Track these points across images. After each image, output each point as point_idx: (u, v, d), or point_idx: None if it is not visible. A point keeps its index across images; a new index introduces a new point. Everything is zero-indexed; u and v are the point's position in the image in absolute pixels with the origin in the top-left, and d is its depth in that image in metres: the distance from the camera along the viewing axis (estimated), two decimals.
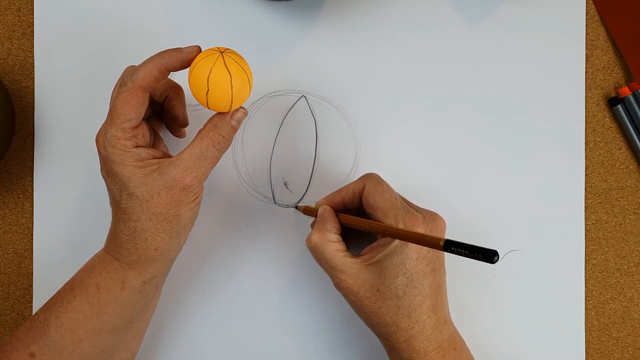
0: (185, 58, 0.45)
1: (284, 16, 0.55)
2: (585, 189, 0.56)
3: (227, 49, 0.45)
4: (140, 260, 0.46)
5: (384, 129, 0.56)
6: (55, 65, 0.55)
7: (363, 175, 0.50)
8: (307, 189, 0.56)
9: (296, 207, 0.55)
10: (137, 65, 0.45)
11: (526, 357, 0.56)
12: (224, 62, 0.43)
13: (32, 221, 0.55)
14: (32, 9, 0.55)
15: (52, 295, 0.48)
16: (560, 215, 0.56)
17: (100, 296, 0.46)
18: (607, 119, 0.57)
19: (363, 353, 0.55)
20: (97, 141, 0.45)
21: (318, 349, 0.55)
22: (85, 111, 0.55)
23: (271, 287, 0.55)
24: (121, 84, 0.45)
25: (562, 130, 0.56)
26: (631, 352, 0.57)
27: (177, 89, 0.50)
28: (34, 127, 0.56)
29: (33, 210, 0.55)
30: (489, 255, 0.40)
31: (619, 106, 0.56)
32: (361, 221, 0.48)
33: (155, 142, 0.51)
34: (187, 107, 0.52)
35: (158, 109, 0.51)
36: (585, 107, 0.56)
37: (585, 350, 0.56)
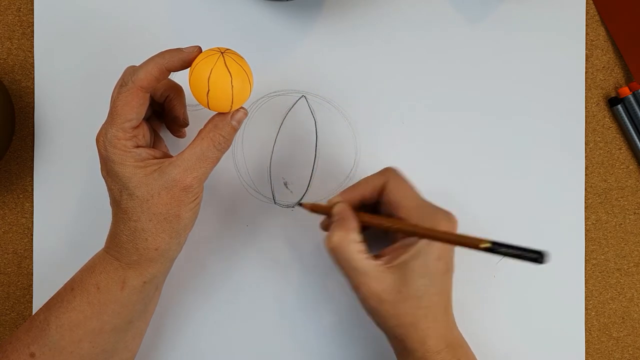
0: (186, 58, 0.45)
1: (284, 16, 0.55)
2: (585, 189, 0.56)
3: (228, 49, 0.45)
4: (140, 260, 0.46)
5: (384, 129, 0.56)
6: (55, 65, 0.55)
7: (383, 170, 0.49)
8: (307, 189, 0.56)
9: (300, 205, 0.53)
10: (137, 65, 0.45)
11: (526, 357, 0.56)
12: (225, 63, 0.43)
13: (32, 221, 0.55)
14: (32, 9, 0.55)
15: (52, 295, 0.48)
16: (560, 215, 0.56)
17: (101, 296, 0.46)
18: (607, 119, 0.57)
19: (363, 353, 0.55)
20: (97, 141, 0.45)
21: (318, 349, 0.55)
22: (85, 111, 0.55)
23: (271, 287, 0.55)
24: (122, 84, 0.45)
25: (562, 130, 0.56)
26: (631, 352, 0.57)
27: (177, 89, 0.50)
28: (34, 127, 0.56)
29: (33, 210, 0.55)
30: (540, 256, 0.40)
31: (619, 106, 0.56)
32: (388, 220, 0.47)
33: (155, 142, 0.51)
34: (187, 107, 0.52)
35: (158, 109, 0.51)
36: (585, 107, 0.56)
37: (585, 350, 0.56)
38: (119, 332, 0.47)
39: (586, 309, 0.56)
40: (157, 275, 0.47)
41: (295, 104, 0.55)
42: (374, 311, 0.46)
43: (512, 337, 0.56)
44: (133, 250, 0.45)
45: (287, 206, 0.56)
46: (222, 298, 0.55)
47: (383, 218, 0.47)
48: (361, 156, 0.56)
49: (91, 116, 0.54)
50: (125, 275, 0.46)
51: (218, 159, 0.46)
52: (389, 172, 0.48)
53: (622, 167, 0.57)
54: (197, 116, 0.54)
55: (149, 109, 0.48)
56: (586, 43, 0.56)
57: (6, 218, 0.56)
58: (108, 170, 0.45)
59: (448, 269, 0.47)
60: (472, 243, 0.42)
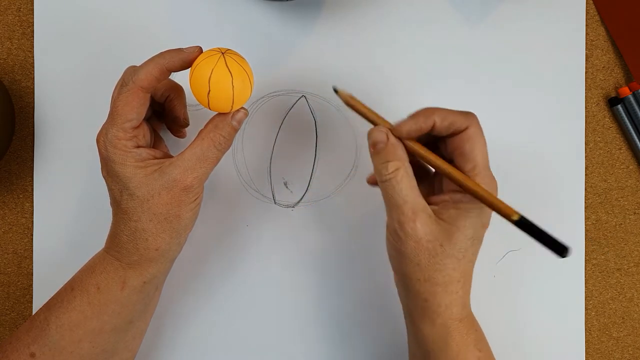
0: (187, 58, 0.45)
1: (284, 16, 0.55)
2: (585, 189, 0.56)
3: (228, 49, 0.45)
4: (140, 260, 0.46)
5: None
6: (55, 65, 0.55)
7: (466, 113, 0.45)
8: (307, 189, 0.56)
9: (335, 91, 0.46)
10: (138, 65, 0.45)
11: (526, 357, 0.56)
12: (225, 63, 0.43)
13: (32, 221, 0.55)
14: (32, 9, 0.55)
15: (52, 295, 0.48)
16: (560, 215, 0.56)
17: (101, 296, 0.46)
18: (607, 119, 0.57)
19: (364, 353, 0.55)
20: (97, 141, 0.45)
21: (318, 348, 0.55)
22: (85, 111, 0.55)
23: (271, 287, 0.55)
24: (122, 84, 0.45)
25: (562, 130, 0.56)
26: (631, 352, 0.57)
27: (178, 89, 0.50)
28: (34, 127, 0.56)
29: (33, 210, 0.55)
30: (561, 248, 0.40)
31: (619, 106, 0.56)
32: (448, 165, 0.43)
33: (156, 142, 0.51)
34: (187, 107, 0.52)
35: (159, 109, 0.51)
36: (585, 107, 0.56)
37: (585, 350, 0.56)
38: (119, 332, 0.47)
39: (586, 309, 0.56)
40: (157, 275, 0.47)
41: (295, 104, 0.55)
42: (407, 256, 0.43)
43: (512, 337, 0.56)
44: (133, 251, 0.45)
45: (287, 206, 0.56)
46: (222, 298, 0.55)
47: (441, 159, 0.44)
48: (361, 156, 0.56)
49: (91, 116, 0.54)
50: (125, 275, 0.46)
51: (218, 159, 0.46)
52: (473, 118, 0.45)
53: (622, 167, 0.57)
54: (197, 116, 0.54)
55: (149, 109, 0.48)
56: (586, 43, 0.56)
57: (6, 218, 0.56)
58: (108, 170, 0.45)
59: (482, 241, 0.45)
60: (506, 212, 0.42)
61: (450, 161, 0.45)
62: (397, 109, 0.56)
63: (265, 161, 0.56)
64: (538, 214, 0.56)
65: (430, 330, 0.44)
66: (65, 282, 0.48)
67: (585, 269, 0.56)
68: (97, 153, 0.46)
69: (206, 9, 0.55)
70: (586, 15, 0.56)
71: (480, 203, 0.43)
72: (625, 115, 0.56)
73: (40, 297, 0.55)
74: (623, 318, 0.57)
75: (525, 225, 0.41)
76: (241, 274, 0.56)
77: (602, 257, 0.57)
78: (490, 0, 0.56)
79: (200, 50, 0.45)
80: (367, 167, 0.55)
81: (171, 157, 0.46)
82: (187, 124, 0.52)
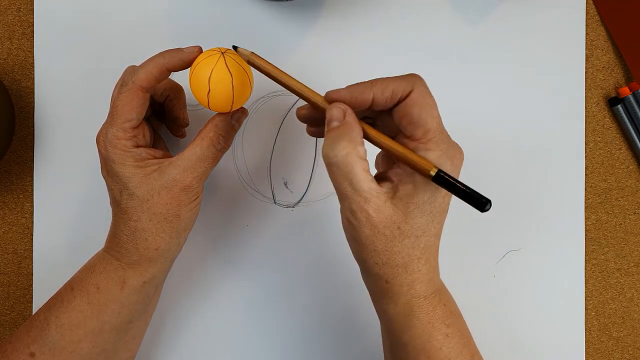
0: (186, 58, 0.45)
1: (284, 16, 0.55)
2: (585, 189, 0.56)
3: (228, 49, 0.45)
4: (140, 260, 0.46)
5: None
6: (55, 65, 0.55)
7: (408, 75, 0.42)
8: (307, 189, 0.56)
9: (235, 48, 0.43)
10: (137, 65, 0.45)
11: (526, 357, 0.56)
12: (225, 63, 0.43)
13: (32, 221, 0.55)
14: (32, 9, 0.55)
15: (52, 295, 0.48)
16: (560, 215, 0.56)
17: (100, 296, 0.46)
18: (607, 119, 0.57)
19: (364, 351, 0.55)
20: (97, 141, 0.45)
21: (318, 348, 0.55)
22: (85, 111, 0.55)
23: (271, 287, 0.55)
24: (122, 84, 0.45)
25: (562, 130, 0.56)
26: (631, 352, 0.57)
27: (177, 89, 0.50)
28: (34, 127, 0.56)
29: (33, 210, 0.55)
30: (482, 202, 0.38)
31: (619, 106, 0.56)
32: (394, 146, 0.40)
33: (155, 142, 0.51)
34: (187, 107, 0.52)
35: (159, 109, 0.51)
36: (585, 107, 0.56)
37: (585, 350, 0.56)
38: (119, 332, 0.47)
39: (586, 309, 0.56)
40: (157, 275, 0.47)
41: (295, 104, 0.55)
42: (362, 243, 0.41)
43: (512, 337, 0.56)
44: (133, 250, 0.45)
45: (287, 206, 0.56)
46: (222, 298, 0.55)
47: (391, 140, 0.41)
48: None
49: (91, 116, 0.54)
50: (125, 275, 0.46)
51: (218, 159, 0.46)
52: (416, 79, 0.41)
53: (622, 167, 0.57)
54: (197, 116, 0.54)
55: (149, 109, 0.48)
56: (586, 43, 0.56)
57: (6, 218, 0.56)
58: (108, 170, 0.45)
59: (447, 209, 0.42)
60: (422, 167, 0.39)
61: (399, 133, 0.42)
62: None
63: (265, 161, 0.56)
64: (538, 214, 0.56)
65: (394, 310, 0.42)
66: (65, 282, 0.48)
67: (585, 269, 0.56)
68: (97, 153, 0.46)
69: (206, 9, 0.55)
70: (586, 15, 0.56)
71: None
72: (625, 115, 0.56)
73: (40, 297, 0.55)
74: (623, 318, 0.57)
75: (443, 180, 0.39)
76: (241, 273, 0.56)
77: (602, 257, 0.57)
78: (490, 1, 0.56)
79: (200, 50, 0.45)
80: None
81: (171, 157, 0.46)
82: (186, 124, 0.52)
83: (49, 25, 0.55)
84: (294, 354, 0.56)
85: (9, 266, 0.56)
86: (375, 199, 0.40)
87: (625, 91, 0.56)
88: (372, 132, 0.41)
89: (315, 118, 0.45)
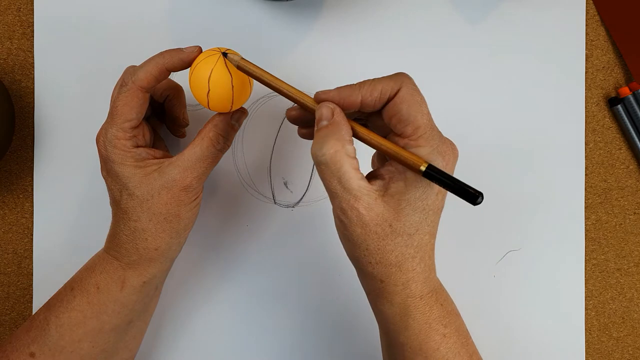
0: (186, 58, 0.45)
1: (284, 16, 0.55)
2: (585, 189, 0.56)
3: (228, 49, 0.45)
4: (140, 260, 0.46)
5: None
6: (55, 65, 0.55)
7: (395, 75, 0.41)
8: (307, 189, 0.56)
9: (225, 54, 0.43)
10: (137, 65, 0.45)
11: (526, 357, 0.56)
12: (225, 63, 0.43)
13: (32, 221, 0.55)
14: (32, 9, 0.55)
15: (52, 295, 0.48)
16: (560, 215, 0.56)
17: (100, 296, 0.46)
18: (607, 119, 0.57)
19: (363, 352, 0.55)
20: (97, 141, 0.45)
21: (317, 348, 0.55)
22: (85, 111, 0.55)
23: (271, 286, 0.55)
24: (122, 84, 0.45)
25: (562, 130, 0.56)
26: (631, 352, 0.57)
27: (177, 89, 0.50)
28: (34, 127, 0.56)
29: (33, 210, 0.55)
30: (473, 196, 0.38)
31: (619, 106, 0.56)
32: (383, 143, 0.40)
33: (155, 142, 0.51)
34: (187, 107, 0.52)
35: (158, 109, 0.51)
36: (585, 107, 0.56)
37: (585, 350, 0.56)
38: (119, 332, 0.47)
39: (586, 309, 0.56)
40: (157, 275, 0.47)
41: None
42: (354, 242, 0.40)
43: (512, 337, 0.56)
44: (133, 250, 0.45)
45: (287, 206, 0.56)
46: (221, 298, 0.55)
47: (380, 138, 0.40)
48: (361, 155, 0.55)
49: (91, 116, 0.54)
50: (125, 275, 0.46)
51: (218, 159, 0.46)
52: (404, 78, 0.41)
53: (622, 167, 0.57)
54: (197, 116, 0.54)
55: (149, 109, 0.48)
56: (586, 43, 0.56)
57: (6, 218, 0.56)
58: (108, 170, 0.45)
59: (442, 206, 0.42)
60: (413, 163, 0.39)
61: (390, 132, 0.42)
62: None
63: (265, 161, 0.56)
64: (538, 214, 0.56)
65: (389, 310, 0.42)
66: (65, 282, 0.48)
67: (585, 269, 0.56)
68: (97, 153, 0.46)
69: (206, 9, 0.55)
70: (586, 15, 0.56)
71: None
72: (625, 115, 0.56)
73: (40, 297, 0.55)
74: (623, 318, 0.57)
75: (434, 175, 0.38)
76: (241, 273, 0.56)
77: (602, 257, 0.57)
78: (490, 1, 0.56)
79: (199, 50, 0.45)
80: (367, 167, 0.55)
81: (171, 157, 0.46)
82: (186, 124, 0.52)
83: (49, 25, 0.55)
84: (294, 353, 0.56)
85: (9, 266, 0.56)
86: (365, 197, 0.39)
87: (625, 91, 0.56)
88: (362, 130, 0.41)
89: (305, 119, 0.45)
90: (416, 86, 0.41)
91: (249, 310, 0.55)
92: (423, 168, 0.39)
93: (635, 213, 0.57)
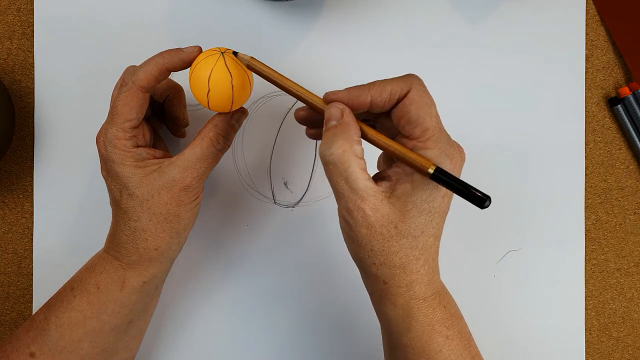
0: (186, 58, 0.45)
1: (284, 16, 0.55)
2: (585, 189, 0.56)
3: (228, 49, 0.45)
4: (140, 260, 0.46)
5: None
6: (55, 65, 0.55)
7: (405, 76, 0.41)
8: (307, 189, 0.56)
9: (235, 53, 0.43)
10: (137, 65, 0.45)
11: (526, 357, 0.56)
12: (225, 63, 0.43)
13: (32, 221, 0.55)
14: (32, 9, 0.55)
15: (52, 295, 0.48)
16: (560, 215, 0.56)
17: (100, 296, 0.46)
18: (607, 119, 0.57)
19: (363, 352, 0.55)
20: (97, 141, 0.45)
21: (317, 348, 0.55)
22: (85, 111, 0.55)
23: (271, 287, 0.55)
24: (122, 84, 0.45)
25: (562, 130, 0.56)
26: (631, 352, 0.57)
27: (177, 89, 0.50)
28: (34, 127, 0.56)
29: (33, 210, 0.55)
30: (481, 199, 0.38)
31: (619, 106, 0.56)
32: (391, 144, 0.40)
33: (155, 142, 0.51)
34: (187, 107, 0.52)
35: (159, 109, 0.51)
36: (585, 107, 0.56)
37: (585, 350, 0.56)
38: (119, 332, 0.47)
39: (586, 309, 0.56)
40: (157, 275, 0.47)
41: (295, 103, 0.55)
42: (359, 242, 0.40)
43: (512, 337, 0.56)
44: (133, 250, 0.45)
45: (287, 206, 0.56)
46: (222, 298, 0.55)
47: (388, 139, 0.40)
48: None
49: (91, 116, 0.54)
50: (125, 275, 0.46)
51: (218, 159, 0.46)
52: (413, 79, 0.41)
53: (622, 167, 0.57)
54: (197, 116, 0.54)
55: (149, 109, 0.48)
56: (586, 43, 0.56)
57: (6, 218, 0.56)
58: (108, 170, 0.45)
59: (447, 209, 0.42)
60: (421, 165, 0.39)
61: (398, 133, 0.42)
62: None
63: (265, 161, 0.56)
64: (538, 214, 0.56)
65: (392, 312, 0.42)
66: (65, 282, 0.48)
67: (585, 269, 0.56)
68: (97, 153, 0.46)
69: (206, 9, 0.55)
70: (586, 15, 0.56)
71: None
72: (625, 115, 0.56)
73: (40, 297, 0.55)
74: (623, 318, 0.57)
75: (442, 178, 0.38)
76: (241, 273, 0.56)
77: (602, 257, 0.57)
78: (490, 1, 0.56)
79: (199, 50, 0.45)
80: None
81: (171, 157, 0.46)
82: (186, 124, 0.52)
83: (49, 25, 0.55)
84: (294, 353, 0.56)
85: (9, 266, 0.56)
86: (372, 198, 0.39)
87: (625, 91, 0.56)
88: (370, 131, 0.41)
89: (314, 120, 0.45)
90: (426, 88, 0.41)
91: (249, 310, 0.55)
92: (431, 171, 0.39)
93: (635, 213, 0.57)
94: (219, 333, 0.55)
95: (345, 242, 0.42)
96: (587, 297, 0.56)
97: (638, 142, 0.56)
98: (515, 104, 0.56)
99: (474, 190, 0.38)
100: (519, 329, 0.56)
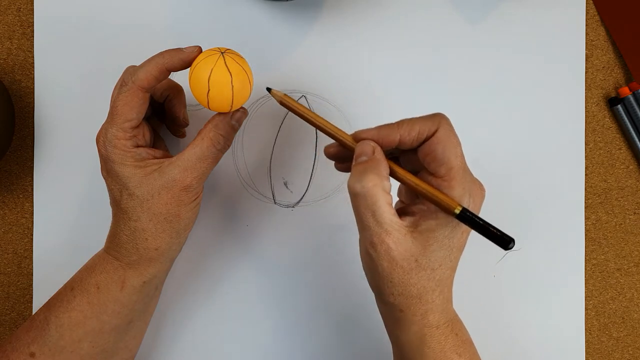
0: (186, 58, 0.45)
1: (284, 16, 0.55)
2: (585, 189, 0.56)
3: (228, 49, 0.45)
4: (140, 260, 0.46)
5: None
6: (55, 65, 0.55)
7: (434, 115, 0.42)
8: (307, 189, 0.56)
9: (268, 90, 0.45)
10: (137, 65, 0.45)
11: (526, 357, 0.56)
12: (225, 63, 0.43)
13: (32, 221, 0.55)
14: (32, 9, 0.55)
15: (52, 295, 0.48)
16: (560, 215, 0.56)
17: (100, 296, 0.46)
18: (607, 119, 0.57)
19: (364, 352, 0.55)
20: (97, 141, 0.45)
21: (317, 347, 0.55)
22: (85, 111, 0.55)
23: (271, 286, 0.55)
24: (122, 84, 0.45)
25: (562, 130, 0.56)
26: (631, 352, 0.57)
27: (177, 89, 0.50)
28: (34, 127, 0.56)
29: (33, 210, 0.55)
30: (505, 241, 0.40)
31: (619, 106, 0.56)
32: (419, 184, 0.41)
33: (155, 142, 0.51)
34: (187, 107, 0.52)
35: (159, 109, 0.51)
36: (585, 107, 0.56)
37: (585, 350, 0.56)
38: (119, 331, 0.47)
39: (586, 309, 0.56)
40: (157, 275, 0.47)
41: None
42: (379, 274, 0.42)
43: (512, 337, 0.56)
44: (133, 250, 0.45)
45: (287, 206, 0.56)
46: (222, 298, 0.55)
47: (416, 178, 0.42)
48: None
49: (91, 116, 0.54)
50: (125, 275, 0.46)
51: (218, 159, 0.46)
52: (441, 119, 0.42)
53: (622, 167, 0.57)
54: (197, 116, 0.54)
55: (149, 109, 0.48)
56: (586, 43, 0.56)
57: (6, 218, 0.56)
58: (108, 170, 0.45)
59: (465, 244, 0.43)
60: (447, 205, 0.40)
61: (423, 169, 0.43)
62: (397, 108, 0.56)
63: (265, 161, 0.56)
64: (538, 214, 0.56)
65: (406, 338, 0.43)
66: (65, 282, 0.48)
67: (585, 269, 0.56)
68: (97, 153, 0.46)
69: (206, 9, 0.55)
70: (586, 15, 0.56)
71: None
72: (625, 115, 0.56)
73: (40, 297, 0.55)
74: (623, 318, 0.57)
75: (468, 218, 0.40)
76: (241, 273, 0.56)
77: (602, 257, 0.57)
78: (490, 1, 0.56)
79: (199, 50, 0.45)
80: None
81: (171, 157, 0.46)
82: (186, 124, 0.52)
83: (49, 25, 0.55)
84: (293, 353, 0.56)
85: (9, 266, 0.56)
86: (396, 232, 0.41)
87: (625, 91, 0.56)
88: (399, 170, 0.43)
89: (343, 156, 0.46)
90: (452, 127, 0.42)
91: (249, 310, 0.55)
92: (457, 211, 0.40)
93: (635, 213, 0.57)
94: (219, 333, 0.55)
95: (365, 271, 0.44)
96: (587, 297, 0.56)
97: (638, 142, 0.56)
98: (515, 104, 0.56)
99: (498, 232, 0.40)
100: (519, 329, 0.56)
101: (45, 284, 0.55)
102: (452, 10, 0.56)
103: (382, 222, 0.40)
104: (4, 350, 0.46)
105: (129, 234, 0.45)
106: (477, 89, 0.56)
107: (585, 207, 0.56)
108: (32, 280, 0.56)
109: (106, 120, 0.45)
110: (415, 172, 0.43)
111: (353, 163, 0.43)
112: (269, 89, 0.45)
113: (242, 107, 0.47)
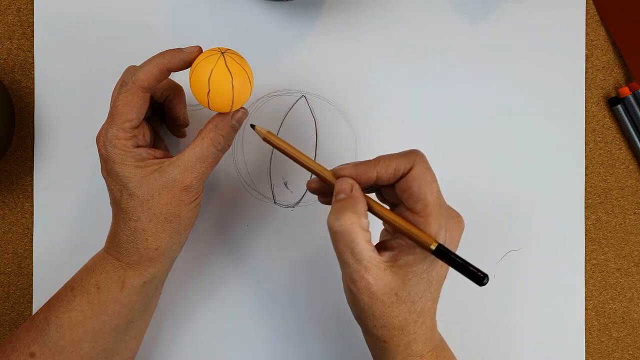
0: (186, 58, 0.45)
1: (284, 16, 0.55)
2: (585, 189, 0.56)
3: (228, 49, 0.45)
4: (140, 260, 0.46)
5: (384, 129, 0.56)
6: (55, 65, 0.55)
7: (409, 152, 0.43)
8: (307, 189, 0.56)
9: (252, 126, 0.46)
10: (138, 65, 0.45)
11: (526, 357, 0.56)
12: (225, 63, 0.43)
13: (32, 221, 0.55)
14: (32, 9, 0.55)
15: (52, 295, 0.48)
16: (560, 215, 0.56)
17: (101, 296, 0.46)
18: (607, 119, 0.57)
19: (363, 352, 0.55)
20: (97, 141, 0.45)
21: (317, 347, 0.55)
22: (85, 111, 0.55)
23: (271, 287, 0.55)
24: (122, 84, 0.45)
25: (562, 130, 0.56)
26: (631, 352, 0.57)
27: (177, 89, 0.50)
28: (34, 127, 0.56)
29: (33, 210, 0.55)
30: (479, 277, 0.41)
31: (619, 106, 0.56)
32: (396, 220, 0.42)
33: (155, 142, 0.51)
34: (187, 107, 0.52)
35: (159, 109, 0.51)
36: (585, 107, 0.56)
37: (585, 350, 0.56)
38: (119, 332, 0.47)
39: (586, 309, 0.56)
40: (157, 275, 0.47)
41: (295, 103, 0.55)
42: (361, 308, 0.43)
43: (512, 338, 0.56)
44: (133, 250, 0.45)
45: (287, 206, 0.56)
46: (221, 298, 0.55)
47: (393, 214, 0.43)
48: (361, 156, 0.56)
49: (91, 116, 0.54)
50: (125, 275, 0.46)
51: (218, 159, 0.46)
52: (416, 156, 0.43)
53: (622, 167, 0.57)
54: (197, 116, 0.54)
55: (149, 109, 0.48)
56: (586, 43, 0.56)
57: (6, 218, 0.56)
58: (108, 170, 0.45)
59: (445, 276, 0.45)
60: (423, 241, 0.41)
61: (401, 203, 0.44)
62: (397, 108, 0.56)
63: (265, 161, 0.56)
64: (538, 214, 0.56)
65: None
66: (66, 282, 0.48)
67: (585, 269, 0.56)
68: (97, 153, 0.46)
69: (206, 9, 0.55)
70: (586, 15, 0.56)
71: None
72: (625, 115, 0.56)
73: (40, 297, 0.55)
74: (623, 318, 0.57)
75: (443, 254, 0.41)
76: (241, 273, 0.56)
77: (602, 257, 0.57)
78: (490, 1, 0.56)
79: (200, 50, 0.45)
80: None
81: (171, 157, 0.46)
82: (186, 124, 0.52)
83: (49, 25, 0.55)
84: (294, 353, 0.56)
85: (9, 266, 0.56)
86: (375, 268, 0.41)
87: (625, 91, 0.56)
88: (377, 206, 0.43)
89: (324, 191, 0.47)
90: (428, 164, 0.43)
91: (249, 310, 0.55)
92: (433, 247, 0.41)
93: (635, 213, 0.57)
94: (219, 333, 0.55)
95: (349, 305, 0.45)
96: (587, 297, 0.56)
97: (638, 142, 0.56)
98: (515, 103, 0.56)
99: (472, 268, 0.41)
100: (519, 328, 0.56)
101: (45, 284, 0.55)
102: (452, 10, 0.56)
103: (361, 259, 0.41)
104: (4, 351, 0.46)
105: (129, 234, 0.45)
106: (476, 89, 0.56)
107: (585, 207, 0.56)
108: (32, 280, 0.56)
109: (106, 120, 0.45)
110: (395, 206, 0.45)
111: (333, 200, 0.44)
112: (252, 126, 0.46)
113: (242, 107, 0.47)
